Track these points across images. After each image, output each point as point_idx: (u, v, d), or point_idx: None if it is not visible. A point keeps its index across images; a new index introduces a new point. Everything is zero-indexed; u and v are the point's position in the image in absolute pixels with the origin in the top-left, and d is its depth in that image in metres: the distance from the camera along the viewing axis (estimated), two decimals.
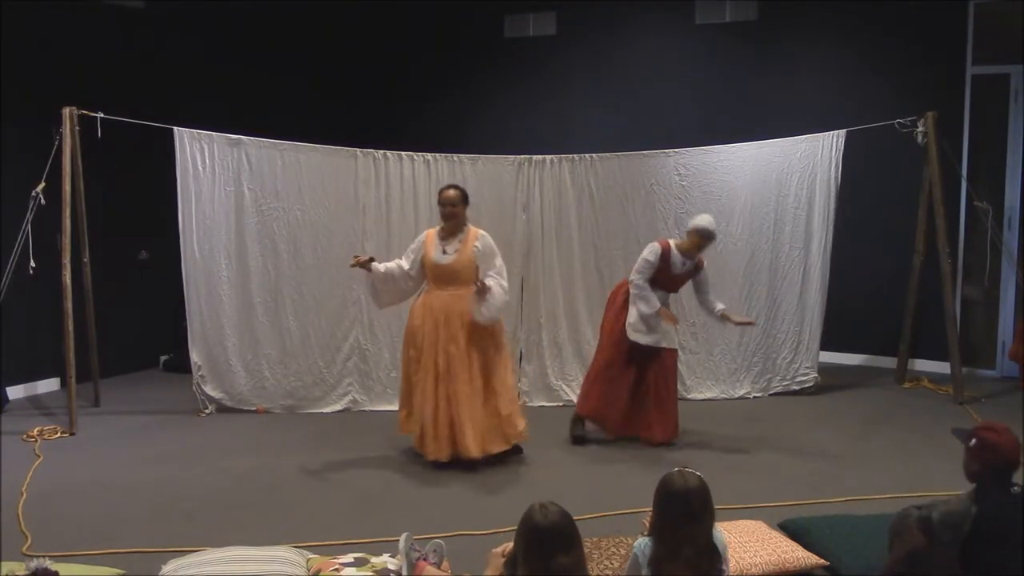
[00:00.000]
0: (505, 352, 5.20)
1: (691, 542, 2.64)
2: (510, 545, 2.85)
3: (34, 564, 2.29)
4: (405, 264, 5.13)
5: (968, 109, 7.23)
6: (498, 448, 5.07)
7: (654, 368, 5.40)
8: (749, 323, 5.70)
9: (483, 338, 5.01)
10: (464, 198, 5.11)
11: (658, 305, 5.31)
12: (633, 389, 5.43)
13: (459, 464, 5.01)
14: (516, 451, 5.27)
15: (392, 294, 5.22)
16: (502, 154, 6.63)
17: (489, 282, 4.91)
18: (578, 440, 5.53)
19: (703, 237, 5.31)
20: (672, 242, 5.46)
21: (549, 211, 6.62)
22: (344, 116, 8.82)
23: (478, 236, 5.08)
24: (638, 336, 5.32)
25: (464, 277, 5.00)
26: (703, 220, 5.36)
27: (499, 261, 5.08)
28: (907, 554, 2.94)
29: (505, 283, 5.06)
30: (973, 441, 2.93)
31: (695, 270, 5.45)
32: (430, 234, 5.15)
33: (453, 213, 5.05)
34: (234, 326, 6.26)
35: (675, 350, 5.50)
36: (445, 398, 4.95)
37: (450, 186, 5.21)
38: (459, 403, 4.94)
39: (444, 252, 5.04)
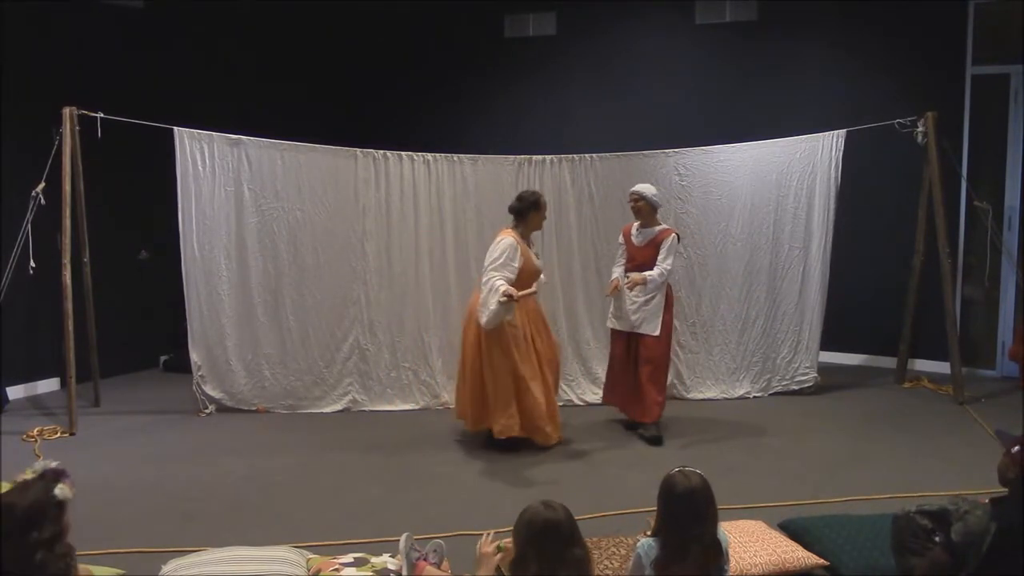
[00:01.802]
0: None
1: (698, 541, 2.64)
2: (504, 541, 2.85)
3: (40, 465, 2.44)
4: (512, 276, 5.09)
5: (968, 109, 7.22)
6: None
7: (637, 352, 5.58)
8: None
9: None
10: None
11: (612, 277, 5.65)
12: (630, 374, 5.64)
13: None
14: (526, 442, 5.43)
15: None
16: (502, 154, 6.63)
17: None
18: (630, 427, 5.80)
19: (634, 200, 5.58)
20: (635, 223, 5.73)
21: (549, 211, 6.58)
22: (344, 116, 8.82)
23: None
24: (611, 322, 5.75)
25: None
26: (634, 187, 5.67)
27: None
28: (931, 573, 2.90)
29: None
30: (1017, 449, 2.87)
31: (658, 240, 5.53)
32: (518, 241, 5.19)
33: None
34: (234, 326, 6.26)
35: (659, 336, 5.51)
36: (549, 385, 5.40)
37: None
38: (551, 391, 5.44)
39: (537, 256, 5.43)
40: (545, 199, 5.47)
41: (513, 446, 5.26)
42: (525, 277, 5.16)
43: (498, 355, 5.15)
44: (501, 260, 5.07)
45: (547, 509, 2.52)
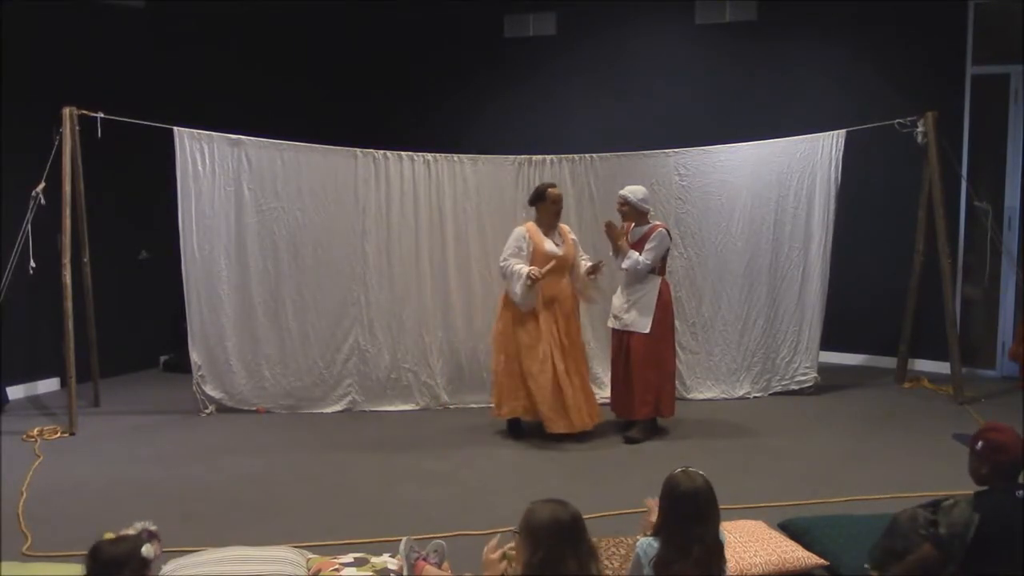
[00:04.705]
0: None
1: (700, 541, 2.63)
2: (508, 547, 2.83)
3: (140, 524, 2.72)
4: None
5: (968, 109, 7.22)
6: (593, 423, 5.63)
7: (628, 351, 5.60)
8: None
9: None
10: None
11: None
12: (622, 372, 5.67)
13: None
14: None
15: None
16: (502, 154, 6.63)
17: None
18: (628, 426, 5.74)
19: (620, 205, 5.66)
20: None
21: None
22: (344, 116, 8.82)
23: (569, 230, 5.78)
24: (610, 321, 5.79)
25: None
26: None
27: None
28: (920, 567, 2.92)
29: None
30: (980, 444, 2.91)
31: (646, 236, 5.60)
32: (530, 230, 5.58)
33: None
34: (234, 326, 6.26)
35: (650, 334, 5.53)
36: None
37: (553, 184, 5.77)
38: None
39: (558, 244, 5.60)
40: (557, 191, 5.68)
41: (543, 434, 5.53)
42: (538, 263, 5.44)
43: (511, 338, 5.52)
44: (509, 250, 5.52)
45: (559, 507, 2.49)
